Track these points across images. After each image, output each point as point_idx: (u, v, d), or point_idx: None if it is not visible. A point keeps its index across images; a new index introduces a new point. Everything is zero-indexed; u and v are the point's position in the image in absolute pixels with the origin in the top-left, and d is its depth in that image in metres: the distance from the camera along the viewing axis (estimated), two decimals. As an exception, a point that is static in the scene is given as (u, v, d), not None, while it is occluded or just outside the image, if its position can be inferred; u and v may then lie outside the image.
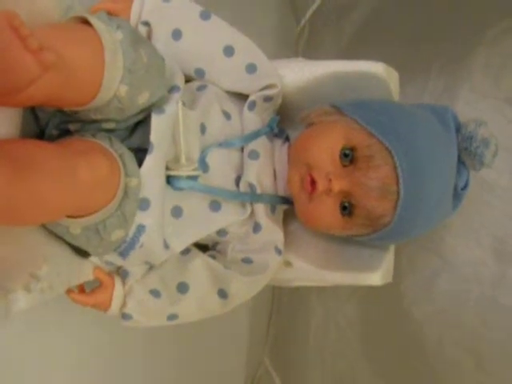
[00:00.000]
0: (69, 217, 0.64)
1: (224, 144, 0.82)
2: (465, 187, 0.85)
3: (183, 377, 1.24)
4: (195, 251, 0.85)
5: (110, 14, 0.70)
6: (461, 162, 0.84)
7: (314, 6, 1.40)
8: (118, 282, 0.80)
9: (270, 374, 1.44)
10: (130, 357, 1.12)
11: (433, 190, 0.78)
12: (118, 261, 0.76)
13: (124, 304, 0.80)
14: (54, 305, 0.85)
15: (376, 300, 1.21)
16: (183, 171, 0.75)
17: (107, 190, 0.64)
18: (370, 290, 1.06)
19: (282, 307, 1.46)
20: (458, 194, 0.85)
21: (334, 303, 1.29)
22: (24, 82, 0.52)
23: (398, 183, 0.74)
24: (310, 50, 1.40)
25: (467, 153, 0.82)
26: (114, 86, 0.63)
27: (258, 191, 0.82)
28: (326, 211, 0.79)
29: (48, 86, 0.55)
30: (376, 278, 0.89)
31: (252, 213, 0.84)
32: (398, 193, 0.75)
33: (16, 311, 0.60)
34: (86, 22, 0.64)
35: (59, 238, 0.69)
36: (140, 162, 0.70)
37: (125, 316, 0.81)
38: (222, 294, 0.83)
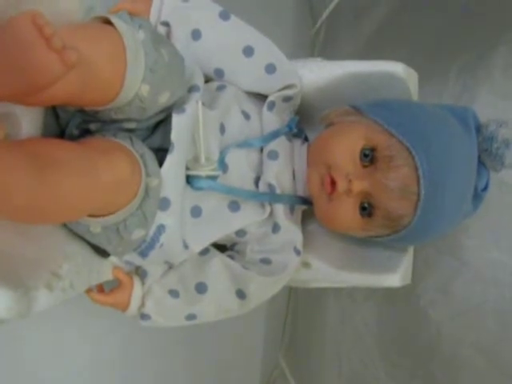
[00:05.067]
0: (90, 216, 0.64)
1: (243, 144, 0.82)
2: (485, 188, 0.85)
3: (199, 378, 1.24)
4: (214, 251, 0.85)
5: (130, 14, 0.71)
6: (481, 163, 0.83)
7: (331, 7, 1.39)
8: (136, 282, 0.80)
9: (286, 375, 1.43)
10: (145, 358, 1.12)
11: (453, 191, 0.77)
12: (137, 260, 0.76)
13: (143, 304, 0.81)
14: (73, 305, 0.85)
15: (393, 302, 1.20)
16: (203, 171, 0.75)
17: (128, 189, 0.65)
18: (387, 291, 1.06)
19: (297, 309, 1.46)
20: (478, 195, 0.84)
21: (351, 305, 1.28)
22: (47, 80, 0.52)
23: (418, 184, 0.74)
24: (327, 51, 1.39)
25: (487, 154, 0.81)
26: (136, 86, 0.63)
27: (278, 191, 0.82)
28: (346, 212, 0.79)
29: (70, 85, 0.56)
30: (395, 279, 0.88)
31: (271, 213, 0.84)
32: (419, 194, 0.74)
33: (37, 309, 0.60)
34: (107, 22, 0.64)
35: (79, 238, 0.69)
36: (160, 162, 0.70)
37: (143, 316, 0.81)
38: (241, 294, 0.83)
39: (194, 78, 0.76)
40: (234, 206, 0.81)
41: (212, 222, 0.80)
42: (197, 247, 0.80)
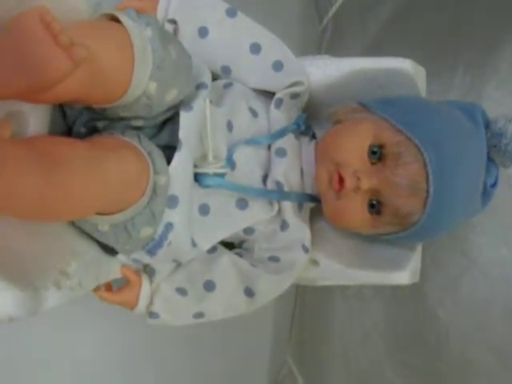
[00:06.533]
0: (98, 214, 0.64)
1: (251, 142, 0.81)
2: (494, 185, 0.84)
3: (207, 376, 1.24)
4: (222, 249, 0.85)
5: (137, 11, 0.70)
6: (490, 160, 0.82)
7: (338, 4, 1.39)
8: (145, 280, 0.80)
9: (293, 373, 1.43)
10: (153, 355, 1.12)
11: (462, 188, 0.77)
12: (145, 259, 0.76)
13: (151, 302, 0.81)
14: (81, 303, 0.85)
15: (400, 300, 1.20)
16: (210, 168, 0.75)
17: (136, 187, 0.64)
18: (395, 289, 1.06)
19: (305, 307, 1.46)
20: (487, 192, 0.83)
21: (359, 303, 1.28)
22: (55, 78, 0.52)
23: (427, 180, 0.73)
24: (334, 48, 1.39)
25: (496, 150, 0.81)
26: (144, 83, 0.63)
27: (286, 189, 0.82)
28: (354, 209, 0.79)
29: (78, 82, 0.56)
30: (404, 277, 0.88)
31: (279, 211, 0.84)
32: (428, 190, 0.74)
33: (46, 308, 0.60)
34: (115, 19, 0.64)
35: (88, 236, 0.69)
36: (168, 160, 0.70)
37: (151, 314, 0.81)
38: (249, 292, 0.83)
39: (202, 76, 0.76)
40: (242, 204, 0.81)
41: (220, 219, 0.80)
42: (205, 245, 0.80)
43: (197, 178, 0.75)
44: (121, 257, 0.76)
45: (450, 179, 0.75)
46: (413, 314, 1.18)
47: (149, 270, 0.81)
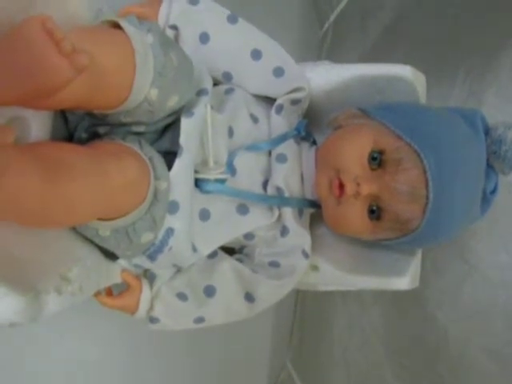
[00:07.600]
0: (99, 219, 0.64)
1: (251, 147, 0.82)
2: (493, 191, 0.84)
3: (207, 379, 1.24)
4: (222, 254, 0.85)
5: (138, 17, 0.71)
6: (490, 166, 0.82)
7: (338, 9, 1.39)
8: (145, 285, 0.80)
9: (293, 377, 1.43)
10: (152, 359, 1.12)
11: (461, 194, 0.77)
12: (146, 264, 0.76)
13: (151, 307, 0.81)
14: (80, 308, 0.85)
15: (400, 305, 1.20)
16: (211, 174, 0.75)
17: (137, 193, 0.64)
18: (395, 294, 1.06)
19: (305, 311, 1.46)
20: (486, 198, 0.84)
21: (359, 307, 1.28)
22: (57, 85, 0.52)
23: (427, 187, 0.74)
24: (334, 54, 1.39)
25: (496, 156, 0.81)
26: (145, 89, 0.63)
27: (286, 195, 0.82)
28: (354, 215, 0.79)
29: (80, 89, 0.56)
30: (404, 282, 0.88)
31: (279, 216, 0.84)
32: (427, 196, 0.74)
33: (47, 314, 0.60)
34: (116, 25, 0.64)
35: (88, 241, 0.69)
36: (169, 165, 0.70)
37: (152, 319, 0.81)
38: (249, 297, 0.83)
39: (203, 82, 0.76)
40: (243, 209, 0.81)
41: (220, 225, 0.80)
42: (205, 250, 0.80)
43: (197, 183, 0.75)
44: (121, 262, 0.76)
45: (450, 185, 0.75)
46: (412, 319, 1.18)
47: (149, 275, 0.81)
